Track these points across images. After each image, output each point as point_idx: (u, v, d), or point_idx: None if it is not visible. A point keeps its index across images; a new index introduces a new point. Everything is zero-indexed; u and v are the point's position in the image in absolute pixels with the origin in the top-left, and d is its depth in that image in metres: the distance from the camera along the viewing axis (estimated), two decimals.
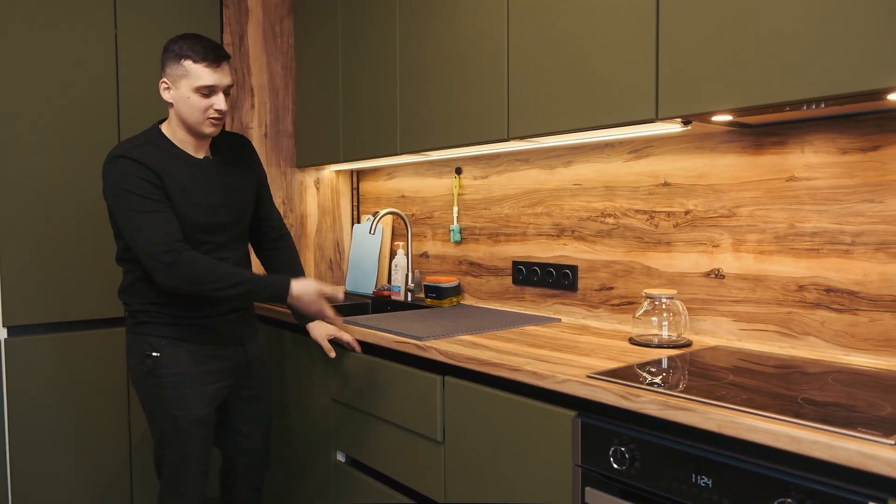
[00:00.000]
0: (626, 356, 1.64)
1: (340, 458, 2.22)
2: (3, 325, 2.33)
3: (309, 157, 2.90)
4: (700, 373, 1.45)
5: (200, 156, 1.89)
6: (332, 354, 2.05)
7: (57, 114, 2.39)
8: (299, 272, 2.11)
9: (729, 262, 1.79)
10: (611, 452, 1.36)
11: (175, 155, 1.84)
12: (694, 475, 1.23)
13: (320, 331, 2.07)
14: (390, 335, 1.93)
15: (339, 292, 1.89)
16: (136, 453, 2.58)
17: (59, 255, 2.41)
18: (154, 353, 1.84)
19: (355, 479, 2.13)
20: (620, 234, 2.04)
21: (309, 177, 3.05)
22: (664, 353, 1.66)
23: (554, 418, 1.48)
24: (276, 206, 2.90)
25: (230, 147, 1.99)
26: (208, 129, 1.83)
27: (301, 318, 2.05)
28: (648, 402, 1.28)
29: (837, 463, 1.03)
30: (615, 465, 1.35)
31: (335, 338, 2.06)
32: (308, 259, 3.03)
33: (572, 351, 1.70)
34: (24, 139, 2.33)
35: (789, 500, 1.09)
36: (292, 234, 2.94)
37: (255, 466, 2.11)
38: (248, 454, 2.09)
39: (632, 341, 1.81)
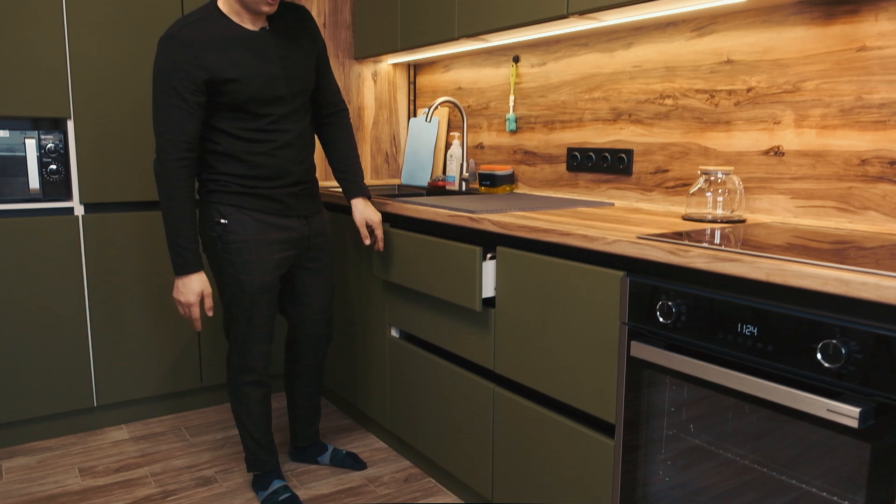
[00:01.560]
0: (677, 228, 1.65)
1: (395, 333, 2.33)
2: (80, 202, 2.47)
3: (367, 47, 2.90)
4: (752, 243, 1.46)
5: (257, 28, 1.90)
6: (367, 241, 2.11)
7: None
8: (350, 152, 2.16)
9: (790, 138, 1.76)
10: (658, 308, 1.39)
11: (230, 29, 1.84)
12: (739, 325, 1.25)
13: (360, 214, 2.13)
14: (444, 210, 1.98)
15: (209, 310, 1.94)
16: (206, 322, 2.74)
17: (133, 136, 2.51)
18: (222, 220, 1.91)
19: (410, 352, 2.23)
20: (679, 115, 2.01)
21: (367, 69, 3.06)
22: (716, 227, 1.66)
23: (602, 279, 1.51)
24: None
25: (288, 18, 1.98)
26: (265, 9, 1.85)
27: (346, 193, 2.15)
28: (697, 256, 1.30)
29: (886, 303, 1.05)
30: (661, 320, 1.39)
31: (371, 225, 2.13)
32: (364, 151, 3.08)
33: (624, 223, 1.72)
34: (96, 19, 2.41)
35: (834, 342, 1.11)
36: None
37: (319, 336, 2.22)
38: (311, 325, 2.19)
39: (685, 218, 1.81)
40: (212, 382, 2.79)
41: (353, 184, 2.14)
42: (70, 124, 2.43)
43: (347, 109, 2.20)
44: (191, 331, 2.72)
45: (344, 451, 2.35)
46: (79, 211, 2.48)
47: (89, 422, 2.62)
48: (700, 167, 1.81)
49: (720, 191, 1.76)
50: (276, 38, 1.93)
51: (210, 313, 1.94)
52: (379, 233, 2.13)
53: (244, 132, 1.89)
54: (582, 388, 1.60)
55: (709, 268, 1.29)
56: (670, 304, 1.36)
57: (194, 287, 1.88)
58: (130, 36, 2.48)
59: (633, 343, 1.43)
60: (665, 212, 1.99)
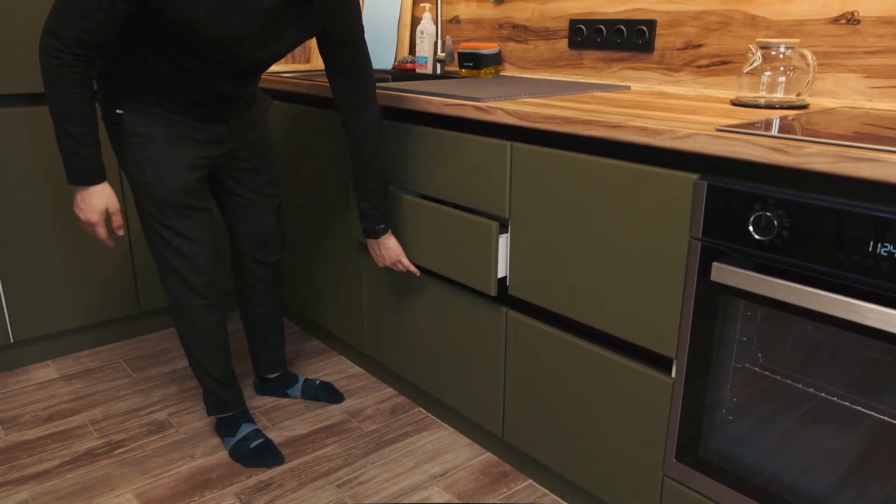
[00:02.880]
0: (741, 115, 1.33)
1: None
2: None
3: None
4: (869, 136, 1.16)
5: None
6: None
7: None
8: (361, 168, 1.68)
9: (868, 2, 1.43)
10: (751, 221, 1.09)
11: None
12: (872, 243, 0.97)
13: (379, 259, 1.80)
14: (437, 98, 1.60)
15: (119, 229, 1.55)
16: (136, 246, 2.32)
17: (23, 7, 1.97)
18: (118, 111, 1.51)
19: (388, 269, 1.90)
20: None
21: None
22: (781, 114, 1.35)
23: (668, 184, 1.20)
24: None
25: None
26: None
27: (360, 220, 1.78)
28: (816, 155, 1.00)
29: None
30: (756, 236, 1.09)
31: (393, 265, 1.80)
32: None
33: (669, 110, 1.39)
34: None
35: None
36: None
37: (264, 256, 1.85)
38: (253, 245, 1.83)
39: (736, 103, 1.50)
40: (153, 306, 2.40)
41: (364, 213, 1.73)
42: None
43: (374, 111, 1.64)
44: (122, 247, 2.29)
45: (317, 382, 2.05)
46: None
47: (7, 360, 2.22)
48: (756, 40, 1.48)
49: (782, 69, 1.44)
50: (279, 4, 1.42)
51: (120, 232, 1.54)
52: (404, 266, 1.78)
53: (171, 64, 1.47)
54: (629, 315, 1.32)
55: (833, 170, 0.98)
56: (769, 215, 1.07)
57: (95, 203, 1.48)
58: None
59: (714, 265, 1.14)
60: (700, 96, 1.66)
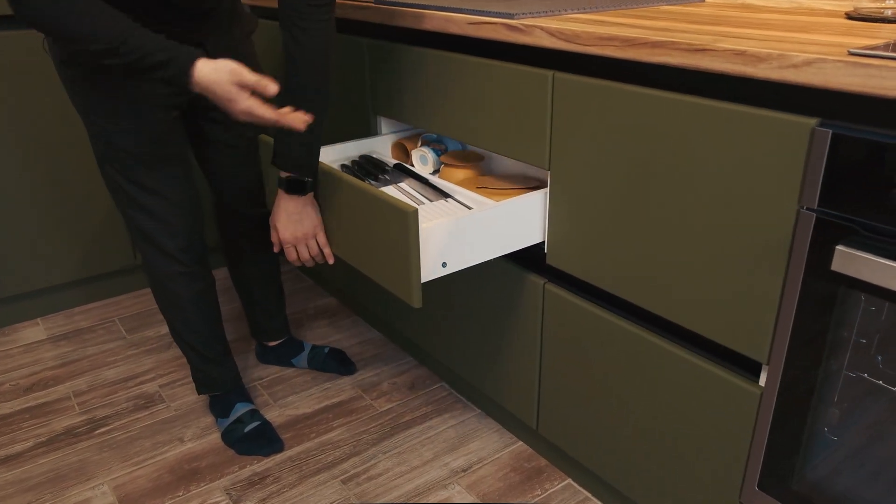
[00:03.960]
0: (867, 32, 0.97)
1: None
2: None
3: None
4: None
5: None
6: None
7: None
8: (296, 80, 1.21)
9: None
10: None
11: None
12: None
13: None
14: (459, 15, 1.26)
15: (268, 85, 1.08)
16: None
17: None
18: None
19: None
20: None
21: None
22: None
23: (771, 131, 0.86)
24: None
25: None
26: None
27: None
28: None
29: None
30: None
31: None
32: None
33: (767, 27, 1.03)
34: None
35: None
36: None
37: (249, 203, 1.54)
38: (233, 188, 1.51)
39: (854, 16, 1.13)
40: None
41: (284, 154, 1.26)
42: None
43: (319, 23, 1.17)
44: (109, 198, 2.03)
45: (326, 349, 1.79)
46: None
47: None
48: None
49: None
50: None
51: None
52: (315, 250, 1.33)
53: None
54: (706, 304, 1.00)
55: None
56: None
57: (219, 75, 1.07)
58: None
59: (838, 249, 0.81)
60: (801, 8, 1.29)
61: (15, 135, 1.85)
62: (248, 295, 1.69)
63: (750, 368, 1.01)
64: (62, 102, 1.88)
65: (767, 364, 0.95)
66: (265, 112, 1.09)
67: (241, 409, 1.57)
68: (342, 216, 1.26)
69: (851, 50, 0.79)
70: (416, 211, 1.04)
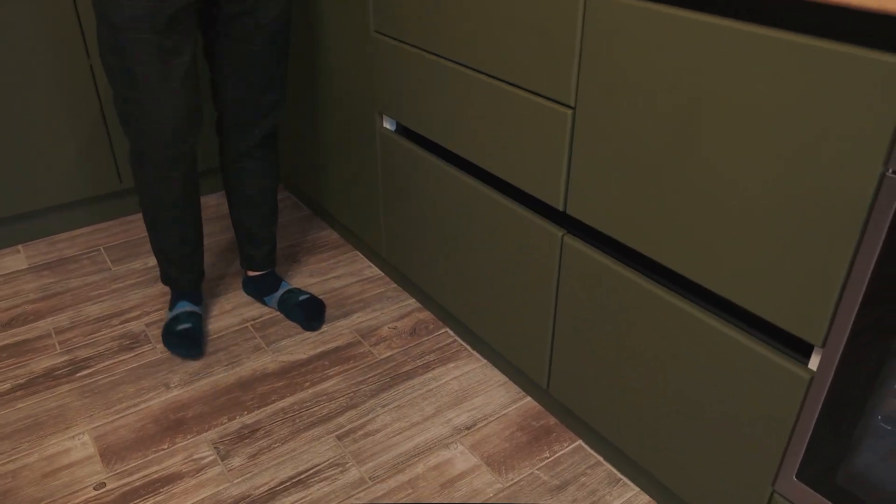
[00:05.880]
0: None
1: (388, 125, 1.51)
2: None
3: None
4: None
5: None
6: None
7: None
8: None
9: None
10: None
11: None
12: None
13: None
14: None
15: None
16: (109, 109, 1.89)
17: None
18: None
19: (413, 157, 1.44)
20: None
21: None
22: None
23: (854, 72, 0.69)
24: None
25: None
26: None
27: None
28: None
29: None
30: None
31: None
32: None
33: None
34: None
35: None
36: None
37: (248, 114, 1.43)
38: (235, 95, 1.41)
39: None
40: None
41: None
42: None
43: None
44: (94, 110, 1.87)
45: (303, 297, 1.64)
46: None
47: None
48: None
49: None
50: None
51: None
52: None
53: None
54: (752, 273, 0.86)
55: None
56: None
57: None
58: None
59: None
60: None
61: (3, 40, 1.67)
62: (237, 216, 1.61)
63: (802, 350, 0.88)
64: (51, 16, 1.69)
65: (823, 347, 0.82)
66: None
67: (181, 308, 1.58)
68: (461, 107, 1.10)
69: None
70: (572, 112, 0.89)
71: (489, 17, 1.10)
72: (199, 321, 1.58)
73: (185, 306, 1.59)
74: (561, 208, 1.12)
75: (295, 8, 1.67)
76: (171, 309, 1.60)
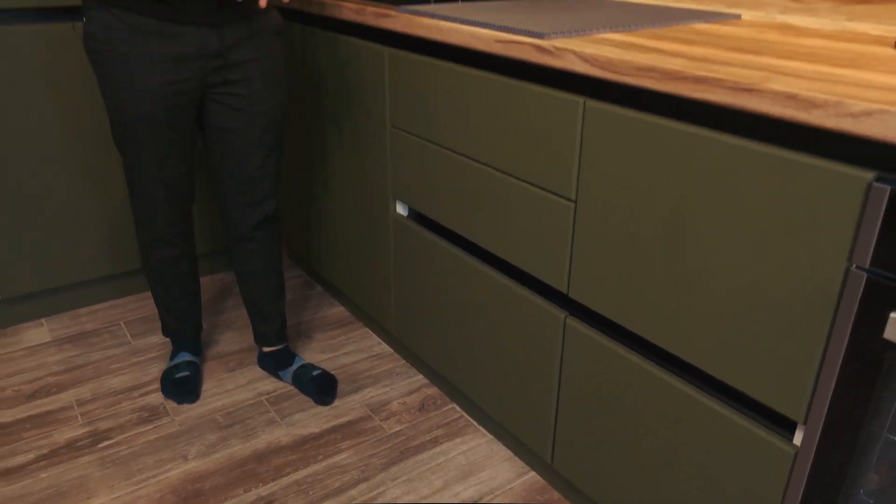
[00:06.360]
0: None
1: (401, 210, 1.63)
2: None
3: None
4: None
5: None
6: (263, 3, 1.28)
7: None
8: None
9: None
10: None
11: None
12: None
13: None
14: (487, 31, 1.19)
15: None
16: None
17: None
18: (83, 19, 1.34)
19: (423, 241, 1.54)
20: None
21: None
22: None
23: (822, 181, 0.80)
24: None
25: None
26: None
27: None
28: None
29: None
30: None
31: None
32: None
33: (814, 60, 0.97)
34: None
35: None
36: None
37: (246, 198, 1.55)
38: (231, 181, 1.53)
39: None
40: None
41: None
42: None
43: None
44: (122, 194, 1.99)
45: (315, 372, 1.71)
46: None
47: None
48: None
49: None
50: None
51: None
52: None
53: None
54: (738, 355, 0.95)
55: None
56: None
57: None
58: None
59: (893, 317, 0.75)
60: (844, 33, 1.22)
61: (28, 132, 1.80)
62: (246, 295, 1.71)
63: (784, 425, 0.95)
64: (80, 99, 1.83)
65: (805, 423, 0.90)
66: None
67: (181, 357, 1.75)
68: (473, 199, 1.20)
69: None
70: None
71: (498, 119, 1.22)
72: (196, 370, 1.73)
73: (184, 356, 1.75)
74: (564, 291, 1.21)
75: (316, 99, 1.81)
76: (171, 359, 1.76)
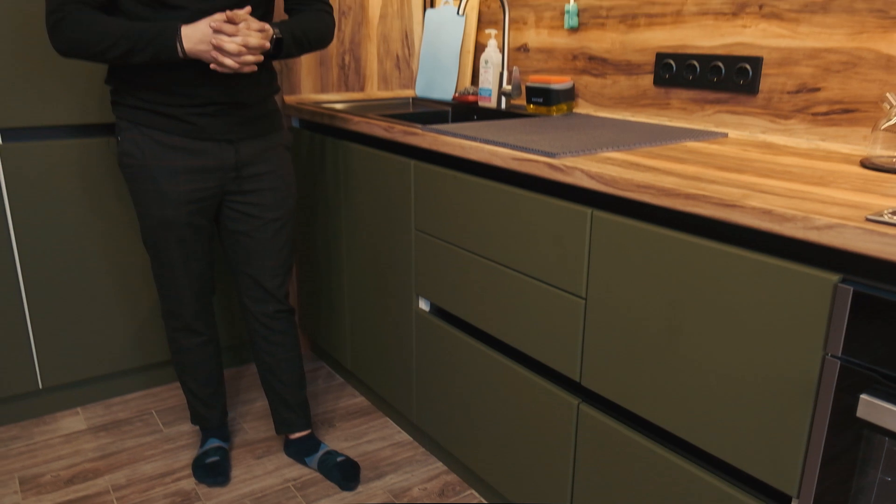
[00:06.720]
0: (883, 187, 1.07)
1: (424, 306, 1.77)
2: None
3: None
4: None
5: None
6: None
7: None
8: (301, 19, 1.54)
9: None
10: None
11: None
12: None
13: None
14: (505, 150, 1.37)
15: (237, 13, 1.35)
16: None
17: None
18: (118, 138, 1.55)
19: (445, 335, 1.68)
20: (846, 6, 1.38)
21: None
22: None
23: (796, 283, 0.94)
24: None
25: None
26: None
27: None
28: None
29: None
30: None
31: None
32: (370, 54, 2.41)
33: (789, 178, 1.13)
34: None
35: None
36: (350, 20, 2.31)
37: (260, 293, 1.71)
38: (252, 295, 1.72)
39: (867, 165, 1.23)
40: None
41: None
42: None
43: (330, 13, 1.62)
44: (150, 292, 2.14)
45: (339, 458, 1.81)
46: None
47: (35, 407, 2.08)
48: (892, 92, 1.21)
49: None
50: None
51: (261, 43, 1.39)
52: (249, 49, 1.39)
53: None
54: (736, 436, 1.06)
55: None
56: None
57: (194, 35, 1.36)
58: None
59: (863, 398, 0.88)
60: (818, 151, 1.39)
61: (66, 235, 1.97)
62: (267, 385, 1.83)
63: (780, 499, 1.06)
64: (112, 205, 2.01)
65: (798, 497, 1.00)
66: (250, 35, 1.35)
67: (210, 444, 1.86)
68: (494, 297, 1.33)
69: (869, 216, 0.88)
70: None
71: (515, 225, 1.39)
72: (225, 455, 1.84)
73: (213, 442, 1.86)
74: (577, 379, 1.34)
75: (346, 203, 1.98)
76: (201, 445, 1.87)
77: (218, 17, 1.34)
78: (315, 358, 2.49)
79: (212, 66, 1.36)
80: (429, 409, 1.80)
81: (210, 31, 1.35)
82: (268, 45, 1.39)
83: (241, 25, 1.35)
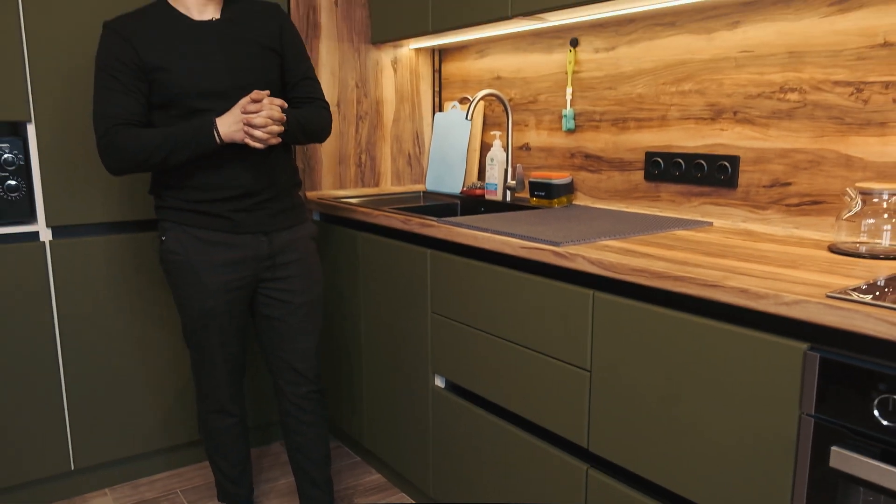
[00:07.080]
0: (845, 269, 1.23)
1: (440, 383, 1.90)
2: (47, 226, 2.01)
3: (387, 29, 2.45)
4: None
5: (205, 17, 1.68)
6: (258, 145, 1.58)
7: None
8: (303, 112, 1.73)
9: None
10: (876, 403, 0.97)
11: (170, 18, 1.64)
12: None
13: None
14: (514, 240, 1.55)
15: (271, 103, 1.56)
16: None
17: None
18: (162, 238, 1.72)
19: (461, 410, 1.80)
20: (808, 114, 1.59)
21: (385, 55, 2.61)
22: (891, 266, 1.25)
23: (772, 351, 1.09)
24: (335, 86, 2.50)
25: (251, 10, 1.74)
26: None
27: None
28: None
29: None
30: (884, 421, 0.97)
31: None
32: (384, 153, 2.64)
33: (765, 261, 1.30)
34: (58, 4, 1.94)
35: None
36: (367, 123, 2.54)
37: (292, 376, 1.85)
38: (279, 362, 1.85)
39: (834, 250, 1.40)
40: None
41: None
42: (31, 129, 1.96)
43: (327, 109, 1.82)
44: (182, 376, 2.27)
45: None
46: (45, 236, 2.02)
47: (67, 489, 2.18)
48: (856, 184, 1.39)
49: (886, 216, 1.35)
50: (224, 27, 1.68)
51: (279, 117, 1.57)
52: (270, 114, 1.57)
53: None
54: (730, 490, 1.18)
55: None
56: None
57: (226, 120, 1.57)
58: (96, 23, 2.01)
59: (834, 450, 1.01)
60: (792, 238, 1.57)
61: (108, 319, 2.12)
62: (295, 462, 1.93)
63: None
64: (145, 295, 2.17)
65: None
66: (272, 131, 1.55)
67: None
68: (506, 371, 1.46)
69: (829, 293, 1.05)
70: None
71: (524, 306, 1.54)
72: None
73: None
74: (584, 446, 1.46)
75: (365, 289, 2.15)
76: None
77: (244, 100, 1.55)
78: (331, 438, 2.59)
79: (245, 140, 1.55)
80: (445, 481, 1.90)
81: (240, 114, 1.54)
82: (285, 117, 1.60)
83: (265, 101, 1.55)
